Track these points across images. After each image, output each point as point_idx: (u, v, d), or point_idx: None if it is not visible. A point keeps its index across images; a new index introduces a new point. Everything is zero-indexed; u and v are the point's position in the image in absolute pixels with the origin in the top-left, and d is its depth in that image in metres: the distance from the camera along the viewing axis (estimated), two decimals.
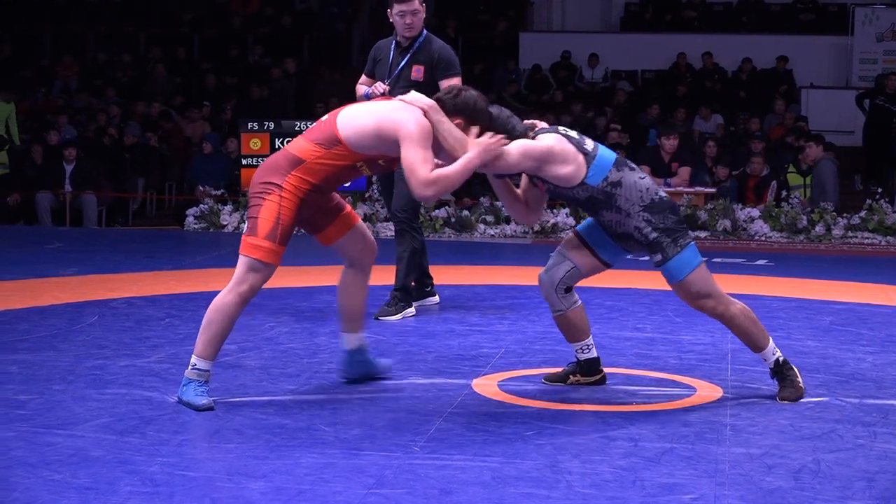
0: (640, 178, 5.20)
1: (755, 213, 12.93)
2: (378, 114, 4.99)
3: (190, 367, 5.00)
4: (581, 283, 5.38)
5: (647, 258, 5.34)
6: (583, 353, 5.49)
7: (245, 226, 5.03)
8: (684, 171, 13.31)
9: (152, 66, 19.59)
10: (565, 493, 3.92)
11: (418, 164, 4.85)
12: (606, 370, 5.70)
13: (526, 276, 8.90)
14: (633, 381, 5.63)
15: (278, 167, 5.00)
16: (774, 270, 10.15)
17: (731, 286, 8.78)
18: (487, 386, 5.44)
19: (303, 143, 5.03)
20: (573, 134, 5.20)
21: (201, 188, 14.46)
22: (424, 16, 7.53)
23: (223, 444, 4.42)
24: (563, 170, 5.07)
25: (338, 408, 4.97)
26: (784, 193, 13.49)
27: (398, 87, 7.26)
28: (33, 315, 7.04)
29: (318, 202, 5.10)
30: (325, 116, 5.13)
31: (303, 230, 5.29)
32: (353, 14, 20.87)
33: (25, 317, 6.98)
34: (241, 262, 4.98)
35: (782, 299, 8.31)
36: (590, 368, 5.51)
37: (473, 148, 4.94)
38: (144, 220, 15.83)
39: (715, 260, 10.85)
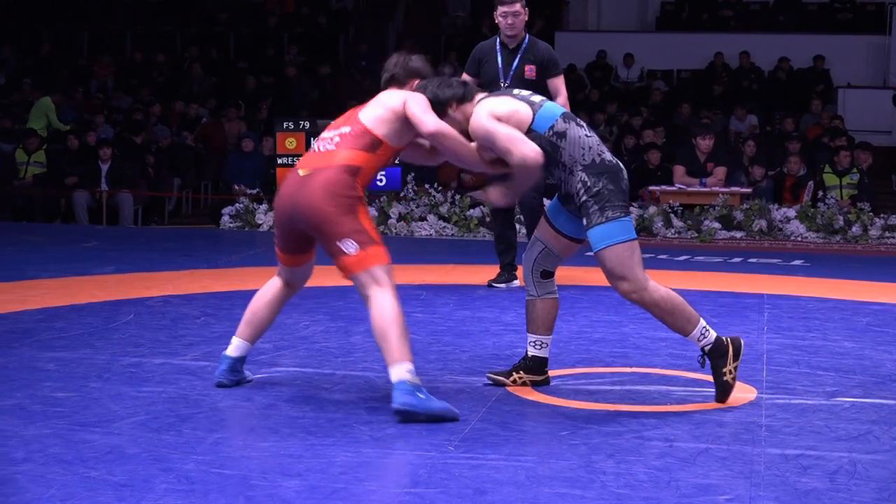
0: (586, 136, 5.10)
1: (791, 213, 12.86)
2: (386, 102, 5.12)
3: (398, 376, 4.78)
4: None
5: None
6: (534, 347, 5.40)
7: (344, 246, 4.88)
8: (720, 171, 13.26)
9: (188, 66, 19.67)
10: (599, 493, 3.92)
11: (425, 114, 5.02)
12: (642, 370, 5.69)
13: (560, 276, 8.83)
14: (667, 381, 5.61)
15: (344, 181, 4.94)
16: (811, 271, 10.10)
17: (766, 286, 8.78)
18: (522, 386, 5.43)
19: (350, 154, 5.01)
20: (523, 91, 5.30)
21: (237, 187, 14.51)
22: (526, 19, 8.17)
23: (258, 443, 4.44)
24: (511, 120, 5.06)
25: (373, 407, 4.98)
26: (820, 194, 13.42)
27: (516, 86, 7.60)
28: (70, 313, 7.08)
29: None
30: (347, 126, 5.13)
31: (277, 240, 5.22)
32: (389, 13, 20.93)
33: (63, 314, 7.02)
34: (364, 279, 4.87)
35: (818, 300, 8.27)
36: (536, 366, 5.41)
37: (485, 165, 5.18)
38: (180, 219, 15.90)
39: (751, 260, 10.82)
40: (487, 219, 12.85)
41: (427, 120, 5.01)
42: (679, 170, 13.38)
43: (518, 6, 8.13)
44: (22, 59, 20.15)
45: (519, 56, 8.17)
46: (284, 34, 20.60)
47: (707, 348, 5.12)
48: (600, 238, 5.02)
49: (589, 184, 5.02)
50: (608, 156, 5.12)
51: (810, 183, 13.86)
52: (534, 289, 5.35)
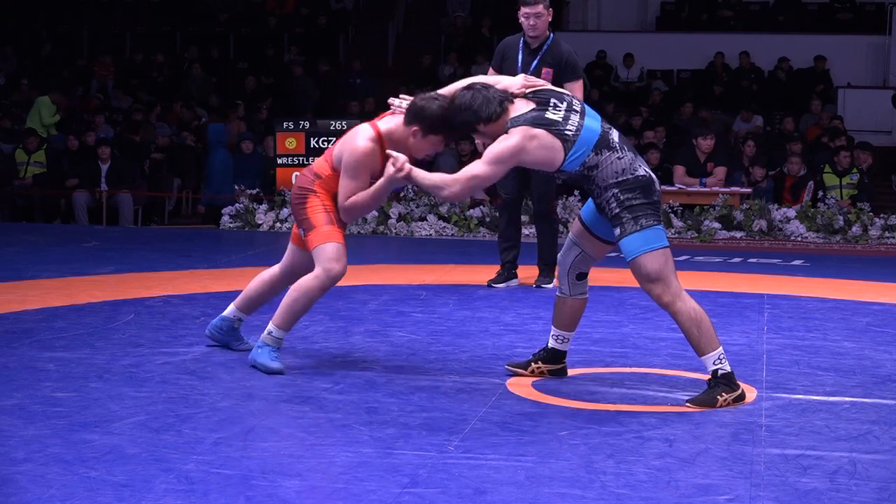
0: (618, 159, 5.14)
1: (791, 213, 12.86)
2: (344, 138, 5.64)
3: (266, 332, 5.61)
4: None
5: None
6: (556, 341, 5.60)
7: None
8: (720, 171, 13.27)
9: (188, 66, 19.67)
10: (599, 493, 3.92)
11: (341, 191, 5.53)
12: (642, 370, 5.70)
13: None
14: (667, 381, 5.61)
15: (307, 179, 5.80)
16: (810, 271, 10.10)
17: (766, 286, 8.78)
18: (522, 385, 5.44)
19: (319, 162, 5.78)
20: (557, 116, 5.14)
21: (237, 187, 14.51)
22: (550, 19, 8.22)
23: (258, 443, 4.44)
24: (538, 159, 5.13)
25: (373, 407, 4.98)
26: (820, 194, 13.42)
27: None
28: (70, 313, 7.08)
29: None
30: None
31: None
32: (389, 13, 20.95)
33: (62, 314, 7.02)
34: (325, 250, 5.59)
35: (818, 300, 8.27)
36: (554, 356, 5.62)
37: (384, 176, 5.40)
38: (180, 219, 15.90)
39: (751, 260, 10.82)
40: (488, 219, 12.86)
41: (339, 203, 5.55)
42: (679, 170, 13.39)
43: (541, 7, 8.17)
44: (22, 59, 20.15)
45: (539, 57, 8.21)
46: (284, 34, 20.60)
47: (720, 373, 5.16)
48: (637, 245, 5.11)
49: (621, 198, 5.12)
50: (641, 171, 5.17)
51: (810, 183, 13.86)
52: (567, 289, 5.52)
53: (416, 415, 4.87)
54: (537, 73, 8.02)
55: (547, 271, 8.40)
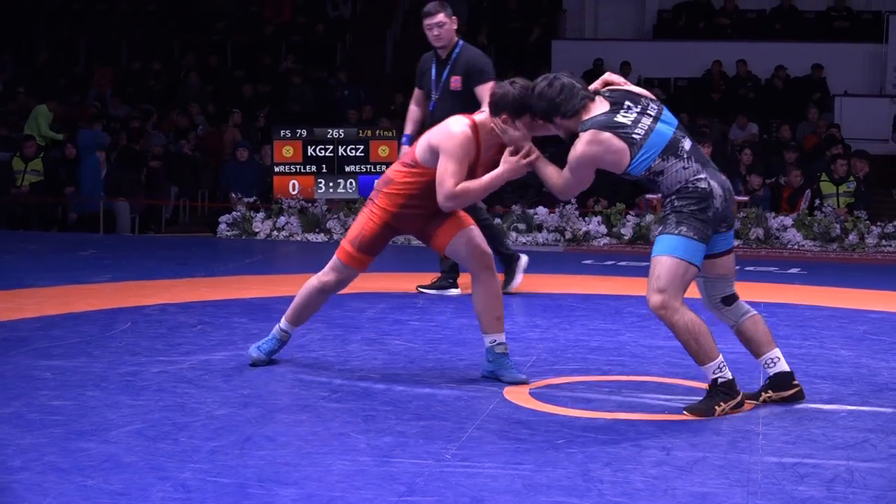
0: (683, 168, 5.12)
1: (788, 221, 12.87)
2: (433, 130, 5.51)
3: (276, 325, 5.91)
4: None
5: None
6: (768, 367, 5.36)
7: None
8: None
9: (185, 74, 19.68)
10: (596, 501, 3.92)
11: (447, 177, 5.36)
12: (639, 378, 5.70)
13: (558, 284, 8.90)
14: (665, 389, 5.61)
15: (377, 186, 5.65)
16: (807, 279, 10.09)
17: (763, 294, 8.77)
18: (519, 394, 5.44)
19: (395, 165, 5.67)
20: (627, 119, 5.11)
21: (234, 195, 14.51)
22: (455, 27, 8.03)
23: (255, 451, 4.44)
24: (605, 163, 5.13)
25: (370, 415, 4.98)
26: (817, 202, 13.43)
27: (443, 99, 7.92)
28: (67, 321, 7.08)
29: (414, 216, 5.59)
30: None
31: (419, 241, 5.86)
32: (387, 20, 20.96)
33: (59, 323, 7.01)
34: (333, 258, 5.74)
35: (815, 308, 8.27)
36: (780, 383, 5.33)
37: (503, 165, 5.33)
38: (177, 227, 15.90)
39: (747, 268, 10.81)
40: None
41: (444, 189, 5.37)
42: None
43: (441, 16, 8.04)
44: (19, 66, 20.16)
45: (449, 67, 8.08)
46: (282, 43, 20.61)
47: (720, 381, 5.14)
48: (666, 246, 5.10)
49: (676, 204, 5.13)
50: (703, 184, 5.12)
51: (808, 192, 13.87)
52: (727, 318, 5.41)
53: (414, 423, 4.86)
54: (447, 84, 7.99)
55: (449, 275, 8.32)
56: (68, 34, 21.20)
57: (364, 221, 5.61)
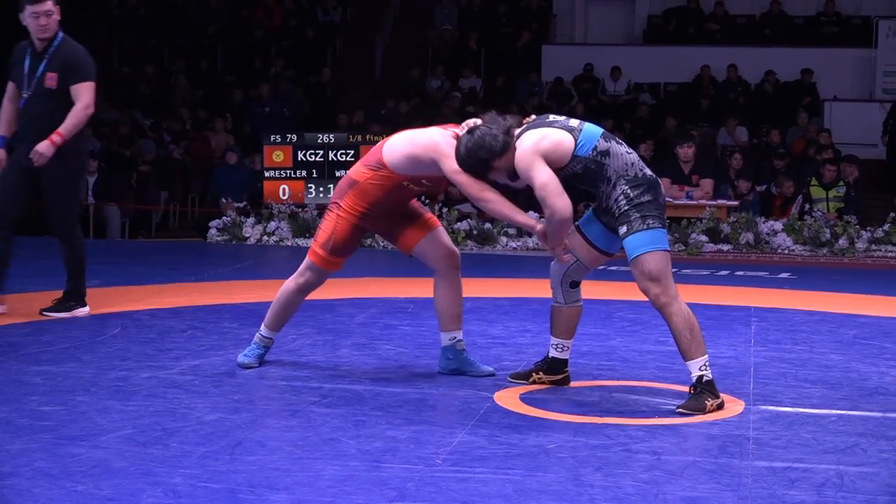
0: (626, 152, 5.33)
1: (778, 226, 12.89)
2: (414, 139, 5.51)
3: (257, 333, 6.00)
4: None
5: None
6: (556, 350, 5.69)
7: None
8: (706, 184, 13.28)
9: (175, 78, 19.65)
10: None
11: (475, 188, 5.38)
12: (630, 383, 5.70)
13: (548, 288, 8.86)
14: (655, 394, 5.62)
15: (341, 188, 5.70)
16: (797, 284, 10.11)
17: (753, 299, 8.79)
18: (510, 398, 5.44)
19: (358, 167, 5.69)
20: (559, 117, 5.40)
21: (224, 200, 14.50)
22: (59, 18, 7.32)
23: (245, 456, 4.43)
24: (557, 152, 5.23)
25: (360, 420, 4.97)
26: (807, 207, 13.45)
27: (36, 95, 7.25)
28: (57, 326, 7.07)
29: (381, 216, 5.70)
30: (380, 142, 5.69)
31: (386, 241, 5.87)
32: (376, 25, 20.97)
33: (49, 328, 7.00)
34: (305, 259, 5.85)
35: (806, 313, 8.29)
36: (554, 367, 5.71)
37: (540, 225, 5.41)
38: (167, 232, 15.88)
39: (738, 273, 10.84)
40: (475, 232, 12.87)
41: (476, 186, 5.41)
42: (665, 182, 13.39)
43: (49, 4, 7.21)
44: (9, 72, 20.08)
45: (45, 61, 7.26)
46: (272, 47, 20.60)
47: (704, 379, 5.22)
48: (641, 243, 5.21)
49: (631, 195, 5.23)
50: (648, 171, 5.34)
51: (799, 197, 13.88)
52: (562, 297, 5.62)
53: (404, 428, 4.86)
54: (42, 79, 7.23)
55: (65, 298, 7.52)
56: None
57: (333, 224, 5.71)
